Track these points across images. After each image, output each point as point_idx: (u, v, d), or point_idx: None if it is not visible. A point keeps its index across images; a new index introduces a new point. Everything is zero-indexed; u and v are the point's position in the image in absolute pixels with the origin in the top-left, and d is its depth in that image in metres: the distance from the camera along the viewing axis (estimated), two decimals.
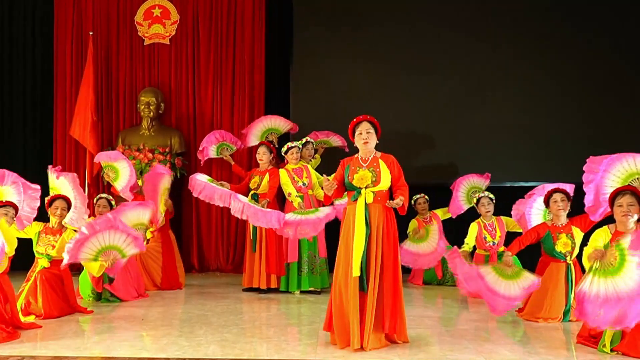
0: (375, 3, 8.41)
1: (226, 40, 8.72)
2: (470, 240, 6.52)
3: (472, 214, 6.99)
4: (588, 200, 4.59)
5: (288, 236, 5.85)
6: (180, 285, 6.94)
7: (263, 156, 6.79)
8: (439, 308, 5.95)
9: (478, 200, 6.80)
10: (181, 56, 8.76)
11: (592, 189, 4.56)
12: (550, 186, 5.55)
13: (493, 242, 6.54)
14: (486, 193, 6.82)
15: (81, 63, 8.59)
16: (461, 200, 7.40)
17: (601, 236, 4.24)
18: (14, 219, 4.85)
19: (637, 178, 4.57)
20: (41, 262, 5.36)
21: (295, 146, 6.77)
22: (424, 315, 5.34)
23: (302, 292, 6.50)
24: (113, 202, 6.60)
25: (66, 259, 5.15)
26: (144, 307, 5.69)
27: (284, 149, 6.79)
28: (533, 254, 5.48)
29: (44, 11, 8.88)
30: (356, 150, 4.34)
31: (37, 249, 5.41)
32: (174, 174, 6.95)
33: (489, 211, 6.69)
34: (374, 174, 4.14)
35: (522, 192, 6.10)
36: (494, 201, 6.76)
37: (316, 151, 7.51)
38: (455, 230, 7.42)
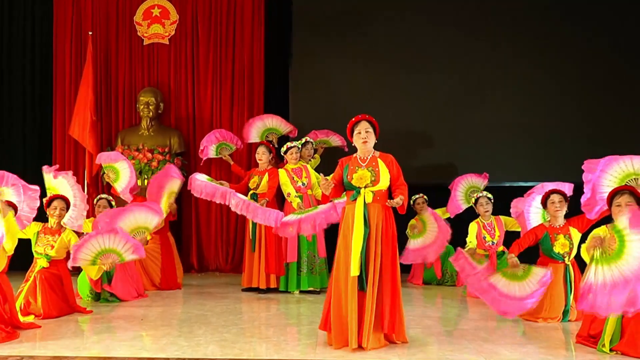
0: (374, 3, 8.40)
1: (225, 40, 8.72)
2: (472, 239, 6.52)
3: (470, 214, 6.98)
4: (584, 198, 4.60)
5: (291, 235, 5.83)
6: (179, 286, 6.94)
7: (262, 156, 6.79)
8: (439, 308, 5.95)
9: (476, 200, 6.80)
10: (180, 56, 8.76)
11: (589, 187, 4.57)
12: (549, 185, 5.55)
13: (492, 241, 6.54)
14: (484, 193, 6.82)
15: (80, 63, 8.59)
16: (459, 200, 7.40)
17: (599, 235, 4.24)
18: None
19: (634, 178, 4.60)
20: (40, 262, 5.35)
21: (294, 146, 6.76)
22: (423, 315, 5.33)
23: (301, 292, 6.50)
24: (113, 203, 6.60)
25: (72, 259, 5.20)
26: (143, 307, 5.69)
27: (284, 148, 6.79)
28: (532, 255, 5.47)
29: (43, 11, 8.88)
30: (355, 150, 4.34)
31: (36, 249, 5.40)
32: (184, 179, 6.92)
33: (487, 211, 6.69)
34: (373, 173, 4.13)
35: (521, 192, 6.11)
36: (492, 201, 6.76)
37: (315, 151, 7.51)
38: (454, 230, 7.40)
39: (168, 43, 8.78)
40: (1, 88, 8.87)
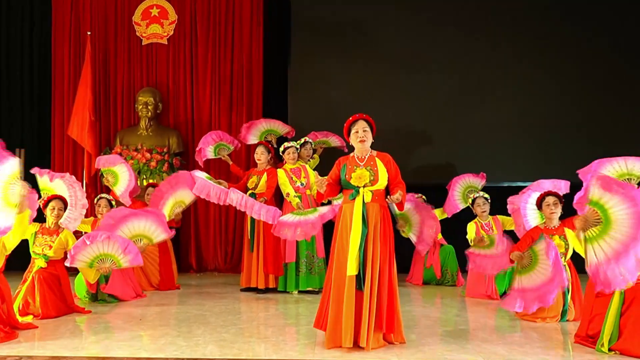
0: (373, 3, 8.41)
1: (224, 40, 8.72)
2: (472, 237, 6.54)
3: (469, 214, 6.98)
4: (577, 197, 4.61)
5: (286, 237, 5.84)
6: (177, 286, 6.94)
7: (261, 156, 6.79)
8: (438, 308, 5.94)
9: (473, 200, 6.80)
10: (179, 56, 8.76)
11: (584, 187, 4.59)
12: (545, 182, 5.56)
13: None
14: (481, 193, 6.82)
15: (79, 63, 8.59)
16: (457, 200, 7.40)
17: (580, 217, 4.24)
18: None
19: (628, 178, 4.74)
20: (38, 262, 5.35)
21: (292, 146, 6.76)
22: (422, 315, 5.33)
23: (300, 292, 6.49)
24: (113, 202, 6.60)
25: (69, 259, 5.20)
26: (142, 307, 5.69)
27: (281, 148, 6.80)
28: None
29: (41, 11, 8.88)
30: (352, 150, 4.33)
31: (34, 249, 5.40)
32: (198, 198, 6.94)
33: (484, 211, 6.69)
34: (372, 172, 4.13)
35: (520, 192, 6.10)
36: (489, 201, 6.76)
37: (315, 151, 7.51)
38: (453, 230, 7.40)
39: (167, 43, 8.78)
40: (0, 88, 8.85)
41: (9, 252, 4.74)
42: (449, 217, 7.48)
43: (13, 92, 8.86)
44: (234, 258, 8.47)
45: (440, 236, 7.51)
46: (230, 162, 7.38)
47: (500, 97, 8.21)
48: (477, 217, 6.73)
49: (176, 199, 6.70)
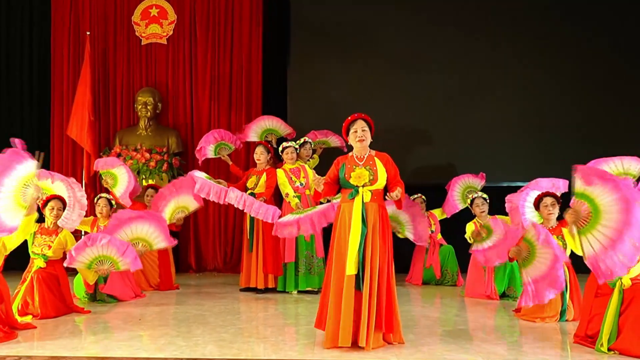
0: (373, 3, 8.40)
1: (223, 40, 8.72)
2: (470, 234, 6.54)
3: (468, 214, 6.98)
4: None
5: (290, 236, 5.81)
6: (177, 286, 6.94)
7: (261, 156, 6.79)
8: (437, 308, 5.94)
9: (472, 201, 6.80)
10: (178, 56, 8.76)
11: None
12: (543, 181, 5.57)
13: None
14: (479, 194, 6.82)
15: (78, 63, 8.59)
16: (456, 200, 7.41)
17: (570, 210, 4.25)
18: None
19: (623, 178, 4.71)
20: (37, 262, 5.35)
21: (290, 146, 6.76)
22: (422, 315, 5.33)
23: (299, 292, 6.49)
24: (113, 202, 6.60)
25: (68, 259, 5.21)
26: (141, 307, 5.69)
27: (280, 148, 6.80)
28: None
29: (41, 11, 8.88)
30: (351, 149, 4.33)
31: (33, 249, 5.40)
32: (203, 206, 6.95)
33: (483, 211, 6.70)
34: (371, 172, 4.12)
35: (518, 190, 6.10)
36: (488, 201, 6.76)
37: (314, 151, 7.51)
38: (452, 230, 7.40)
39: (166, 43, 8.78)
40: None
41: (8, 252, 4.75)
42: (448, 217, 7.49)
43: (12, 92, 8.86)
44: (233, 258, 8.47)
45: (439, 236, 7.52)
46: (230, 162, 7.38)
47: (500, 97, 8.21)
48: (476, 217, 6.73)
49: (178, 203, 6.67)
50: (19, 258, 5.40)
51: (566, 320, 5.05)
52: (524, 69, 8.20)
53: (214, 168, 8.36)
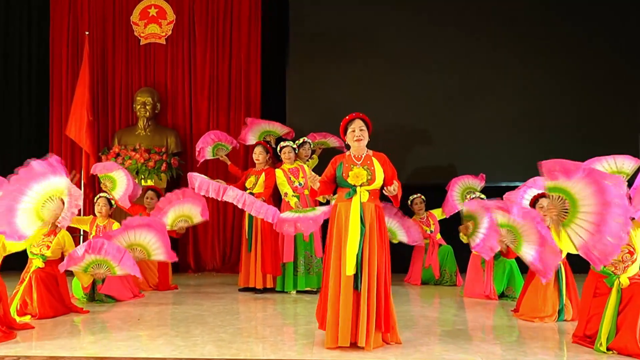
0: (373, 3, 8.40)
1: (222, 40, 8.72)
2: (461, 231, 6.53)
3: None
4: None
5: (289, 233, 5.81)
6: (175, 286, 6.94)
7: (259, 156, 6.79)
8: (436, 308, 5.95)
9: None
10: (177, 56, 8.76)
11: None
12: (541, 179, 5.58)
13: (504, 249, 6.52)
14: (477, 194, 6.82)
15: (77, 63, 8.59)
16: (455, 200, 7.41)
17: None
18: None
19: None
20: (35, 262, 5.34)
21: (287, 145, 6.77)
22: (420, 315, 5.33)
23: (298, 292, 6.49)
24: (113, 201, 6.60)
25: (65, 262, 5.21)
26: (140, 307, 5.68)
27: (278, 148, 6.81)
28: None
29: (40, 11, 8.88)
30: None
31: (32, 249, 5.38)
32: (207, 221, 6.96)
33: None
34: (369, 172, 4.12)
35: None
36: None
37: (313, 152, 7.50)
38: (452, 231, 7.40)
39: (165, 43, 8.78)
40: None
41: (7, 254, 4.75)
42: (448, 217, 7.49)
43: (11, 92, 8.86)
44: (232, 258, 8.46)
45: (439, 236, 7.52)
46: (229, 163, 7.38)
47: (500, 97, 8.22)
48: None
49: (183, 211, 6.62)
50: (18, 258, 5.40)
51: (564, 320, 5.05)
52: (524, 69, 8.21)
53: (213, 169, 8.35)
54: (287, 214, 5.80)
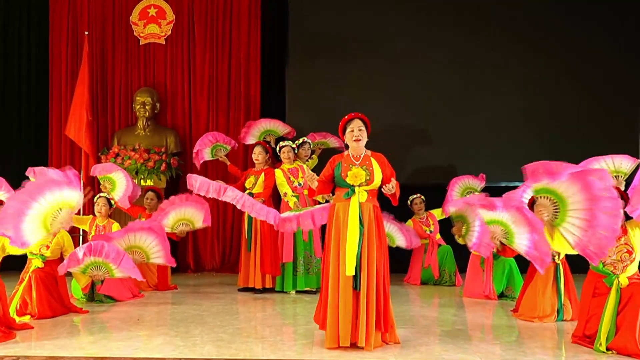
0: (372, 3, 8.40)
1: (222, 40, 8.72)
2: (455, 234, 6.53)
3: None
4: None
5: (292, 231, 5.80)
6: (175, 286, 6.94)
7: (259, 156, 6.78)
8: (435, 308, 5.95)
9: None
10: (177, 56, 8.76)
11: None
12: (527, 183, 5.58)
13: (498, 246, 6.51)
14: (476, 194, 6.82)
15: (76, 63, 8.58)
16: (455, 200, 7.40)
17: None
18: None
19: (615, 176, 4.93)
20: (35, 262, 5.34)
21: (286, 145, 6.77)
22: (420, 315, 5.33)
23: (297, 292, 6.49)
24: (112, 201, 6.60)
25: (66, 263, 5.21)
26: (139, 307, 5.68)
27: (277, 148, 6.81)
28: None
29: (39, 11, 8.88)
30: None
31: (31, 249, 5.38)
32: (209, 226, 6.93)
33: None
34: (368, 172, 4.11)
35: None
36: None
37: (313, 152, 7.50)
38: (450, 230, 7.40)
39: (164, 43, 8.78)
40: None
41: (5, 255, 4.75)
42: (447, 217, 7.48)
43: (11, 92, 8.85)
44: (231, 258, 8.46)
45: (438, 236, 7.52)
46: (228, 163, 7.38)
47: (500, 97, 8.21)
48: None
49: (185, 215, 6.59)
50: (17, 258, 5.37)
51: (564, 320, 5.05)
52: (524, 68, 8.21)
53: (212, 169, 8.35)
54: (287, 214, 5.79)
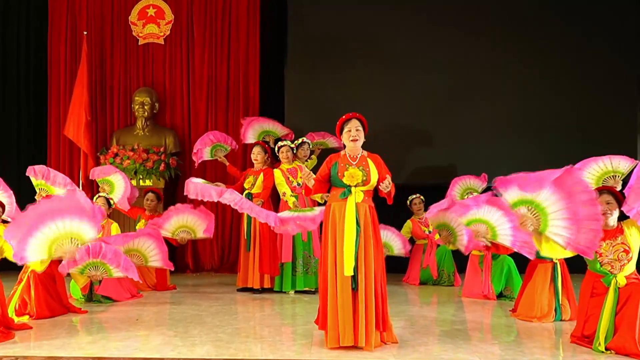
0: (372, 3, 8.40)
1: (221, 39, 8.72)
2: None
3: None
4: None
5: (291, 232, 5.80)
6: (173, 286, 6.93)
7: (258, 156, 6.78)
8: (434, 308, 5.95)
9: None
10: (176, 56, 8.76)
11: None
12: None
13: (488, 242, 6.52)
14: (474, 194, 6.81)
15: (75, 63, 8.59)
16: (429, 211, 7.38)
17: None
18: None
19: (612, 176, 4.97)
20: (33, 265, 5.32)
21: (285, 145, 6.77)
22: (419, 315, 5.33)
23: (296, 292, 6.49)
24: (112, 201, 6.60)
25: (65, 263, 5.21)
26: (138, 307, 5.68)
27: (276, 148, 6.82)
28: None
29: (38, 11, 8.88)
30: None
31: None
32: (210, 237, 6.91)
33: None
34: (364, 172, 4.11)
35: None
36: None
37: (312, 152, 7.50)
38: None
39: (163, 43, 8.78)
40: None
41: (2, 256, 4.75)
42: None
43: (9, 92, 8.85)
44: (230, 258, 8.46)
45: (437, 236, 7.50)
46: (227, 163, 7.37)
47: (500, 97, 8.22)
48: None
49: (187, 222, 6.58)
50: None
51: (562, 320, 5.05)
52: (524, 68, 8.21)
53: (211, 170, 8.35)
54: (285, 213, 5.79)
